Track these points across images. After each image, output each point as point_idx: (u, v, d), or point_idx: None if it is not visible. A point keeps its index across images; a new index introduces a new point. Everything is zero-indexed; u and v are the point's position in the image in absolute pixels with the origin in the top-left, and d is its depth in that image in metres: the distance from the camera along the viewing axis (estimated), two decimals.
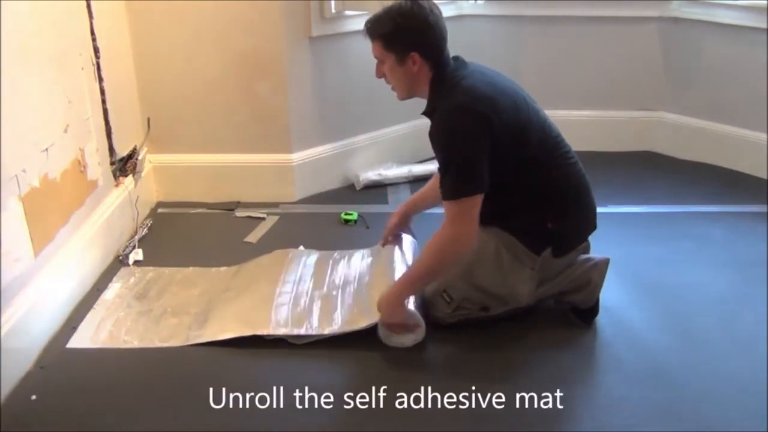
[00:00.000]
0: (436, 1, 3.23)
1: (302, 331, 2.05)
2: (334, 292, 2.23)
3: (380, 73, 2.04)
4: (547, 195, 2.02)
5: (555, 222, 2.02)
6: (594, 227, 2.16)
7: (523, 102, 2.02)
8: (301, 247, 2.52)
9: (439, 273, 2.01)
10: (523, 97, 2.04)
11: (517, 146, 1.95)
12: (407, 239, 2.40)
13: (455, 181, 1.88)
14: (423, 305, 2.09)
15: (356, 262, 2.39)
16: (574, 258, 2.13)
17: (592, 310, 2.17)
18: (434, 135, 1.93)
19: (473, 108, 1.88)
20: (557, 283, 2.13)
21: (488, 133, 1.87)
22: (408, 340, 2.01)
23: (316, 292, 2.23)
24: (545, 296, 2.16)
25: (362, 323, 2.04)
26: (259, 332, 2.03)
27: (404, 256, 2.28)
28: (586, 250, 2.19)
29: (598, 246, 2.22)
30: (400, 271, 2.17)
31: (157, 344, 2.05)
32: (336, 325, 2.07)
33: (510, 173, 1.96)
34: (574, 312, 2.19)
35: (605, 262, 2.14)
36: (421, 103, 2.09)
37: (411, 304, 2.02)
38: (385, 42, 1.97)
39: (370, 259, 2.37)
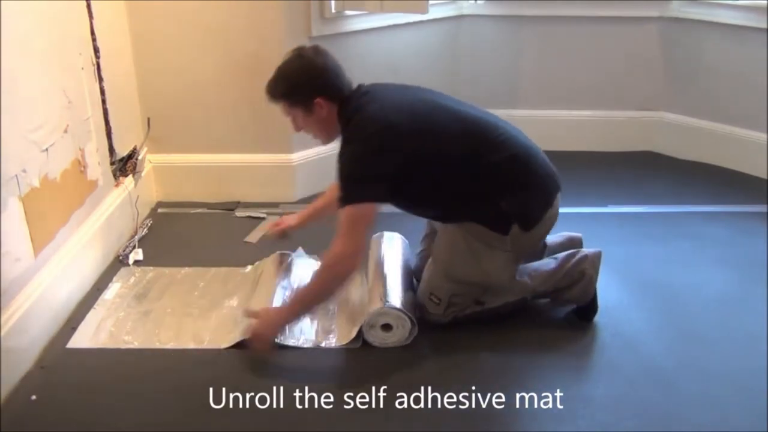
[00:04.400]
0: (436, 1, 3.26)
1: (298, 344, 2.05)
2: (331, 306, 2.23)
3: (298, 128, 2.12)
4: (491, 181, 2.02)
5: (507, 202, 2.02)
6: (556, 188, 2.11)
7: (430, 107, 2.06)
8: (300, 250, 2.51)
9: (324, 299, 2.05)
10: (429, 101, 2.08)
11: (435, 152, 1.99)
12: (396, 238, 2.40)
13: (348, 189, 1.94)
14: (417, 308, 2.10)
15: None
16: (547, 228, 2.12)
17: (591, 306, 2.17)
18: (338, 158, 1.99)
19: (370, 132, 1.95)
20: (549, 278, 2.14)
21: (386, 153, 1.94)
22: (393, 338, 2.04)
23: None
24: (541, 292, 2.16)
25: (353, 334, 2.05)
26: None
27: (392, 261, 2.27)
28: (578, 244, 2.21)
29: (598, 245, 2.22)
30: (393, 278, 2.16)
31: (158, 345, 2.05)
32: (332, 341, 2.07)
33: (445, 176, 2.01)
34: (576, 313, 2.19)
35: (597, 255, 2.16)
36: None
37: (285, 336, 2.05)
38: (288, 100, 2.05)
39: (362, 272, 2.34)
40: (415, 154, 1.96)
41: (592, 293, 2.16)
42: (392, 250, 2.32)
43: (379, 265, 2.23)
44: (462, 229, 2.07)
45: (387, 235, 2.41)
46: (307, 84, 2.01)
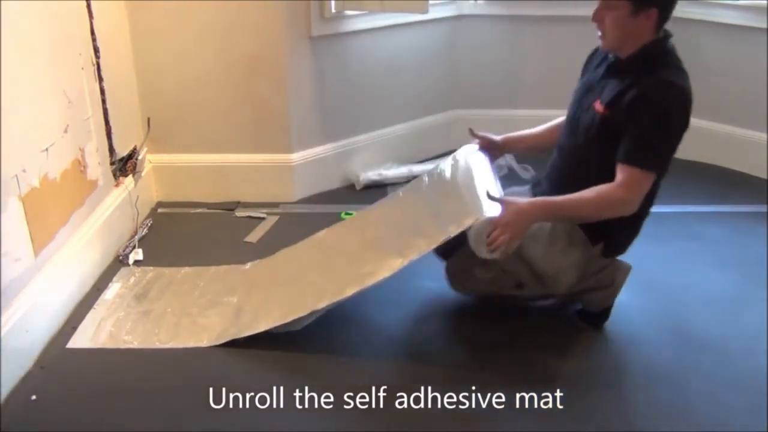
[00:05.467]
0: (436, 1, 3.26)
1: (410, 259, 1.94)
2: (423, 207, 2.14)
3: (600, 17, 1.93)
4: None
5: (621, 222, 1.94)
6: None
7: None
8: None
9: (586, 219, 1.95)
10: None
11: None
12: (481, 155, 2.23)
13: (646, 150, 1.87)
14: (458, 274, 2.04)
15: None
16: (604, 265, 2.10)
17: (605, 313, 2.16)
18: (648, 99, 1.85)
19: (690, 99, 1.89)
20: (584, 279, 2.10)
21: (686, 127, 1.89)
22: (486, 255, 1.90)
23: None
24: (575, 291, 2.11)
25: (466, 222, 1.88)
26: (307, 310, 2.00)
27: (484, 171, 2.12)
28: None
29: None
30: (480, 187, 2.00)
31: (158, 345, 2.05)
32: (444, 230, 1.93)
33: None
34: (583, 317, 2.17)
35: (628, 268, 2.14)
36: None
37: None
38: None
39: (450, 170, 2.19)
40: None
41: (612, 301, 2.14)
42: (481, 165, 2.16)
43: (471, 174, 2.09)
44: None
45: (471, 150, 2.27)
46: None
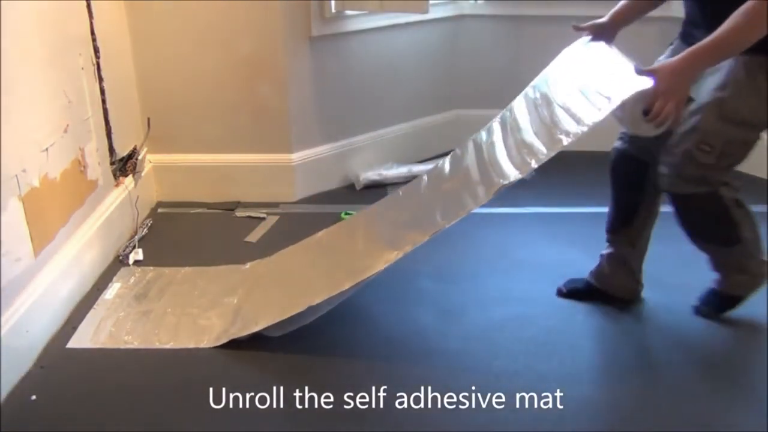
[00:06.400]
0: (436, 1, 3.26)
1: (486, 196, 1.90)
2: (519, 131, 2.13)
3: None
4: None
5: None
6: None
7: None
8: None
9: (744, 44, 1.75)
10: None
11: None
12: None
13: None
14: (672, 167, 1.90)
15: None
16: None
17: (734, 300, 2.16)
18: None
19: None
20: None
21: None
22: (654, 131, 1.80)
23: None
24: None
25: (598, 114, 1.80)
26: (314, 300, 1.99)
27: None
28: None
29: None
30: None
31: (158, 345, 2.06)
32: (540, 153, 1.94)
33: None
34: (712, 302, 2.18)
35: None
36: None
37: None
38: None
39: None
40: None
41: (748, 294, 2.14)
42: (599, 55, 2.08)
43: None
44: (738, 62, 1.83)
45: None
46: None
